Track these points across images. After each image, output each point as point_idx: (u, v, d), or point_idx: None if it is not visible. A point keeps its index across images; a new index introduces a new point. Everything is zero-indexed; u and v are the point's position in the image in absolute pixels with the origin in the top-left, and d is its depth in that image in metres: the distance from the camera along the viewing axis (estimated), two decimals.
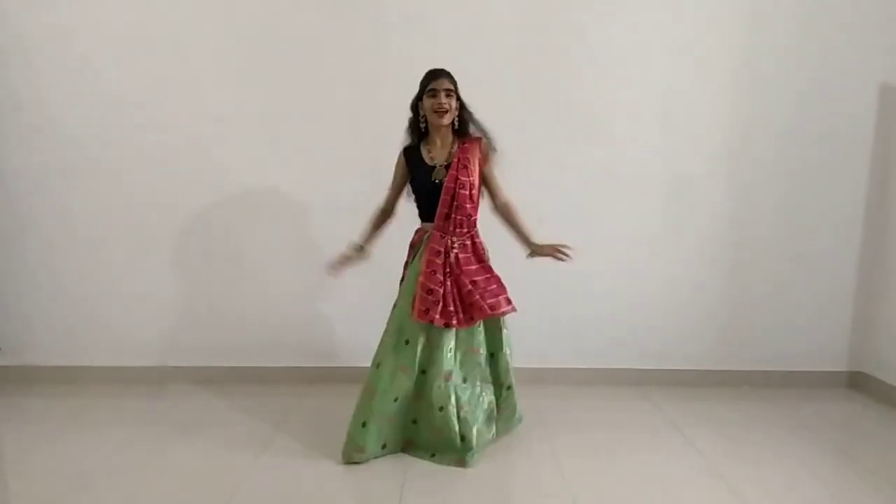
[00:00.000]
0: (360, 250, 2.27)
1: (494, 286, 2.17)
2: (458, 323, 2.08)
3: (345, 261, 2.27)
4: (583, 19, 2.78)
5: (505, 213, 2.26)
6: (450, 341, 2.12)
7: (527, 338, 2.86)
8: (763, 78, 2.83)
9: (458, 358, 2.18)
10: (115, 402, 2.70)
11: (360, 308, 2.85)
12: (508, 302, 2.17)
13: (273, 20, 2.75)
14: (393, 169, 2.26)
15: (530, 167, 2.82)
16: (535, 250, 2.24)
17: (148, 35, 2.75)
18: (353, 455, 2.11)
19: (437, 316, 2.04)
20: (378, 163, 2.75)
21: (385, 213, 2.29)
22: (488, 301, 2.11)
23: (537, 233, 2.84)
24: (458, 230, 2.13)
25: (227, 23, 2.75)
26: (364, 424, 2.09)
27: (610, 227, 2.93)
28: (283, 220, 2.89)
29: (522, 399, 2.48)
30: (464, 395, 2.15)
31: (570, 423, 2.52)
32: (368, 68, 2.78)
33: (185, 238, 2.89)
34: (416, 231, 2.26)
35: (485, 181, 2.22)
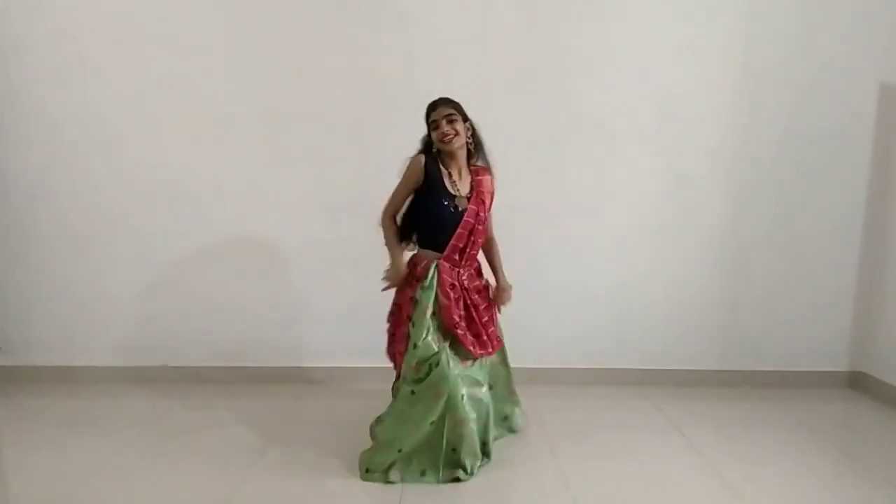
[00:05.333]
0: (399, 270, 2.10)
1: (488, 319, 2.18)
2: (479, 353, 2.08)
3: (391, 286, 2.14)
4: (583, 19, 2.77)
5: (488, 248, 2.24)
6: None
7: (527, 338, 2.86)
8: (763, 78, 2.83)
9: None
10: (115, 402, 2.70)
11: (359, 309, 2.85)
12: (499, 340, 2.21)
13: (273, 20, 2.75)
14: (403, 171, 2.06)
15: (530, 167, 2.82)
16: (497, 293, 2.22)
17: (148, 35, 2.75)
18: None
19: (472, 348, 2.04)
20: (378, 163, 2.75)
21: (395, 218, 2.14)
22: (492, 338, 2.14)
23: (537, 232, 2.87)
24: (468, 263, 2.10)
25: (227, 23, 2.75)
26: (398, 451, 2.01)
27: (610, 228, 2.93)
28: (284, 220, 2.88)
29: (522, 399, 2.48)
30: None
31: (570, 423, 2.52)
32: (368, 68, 2.78)
33: (185, 238, 2.89)
34: (419, 262, 2.09)
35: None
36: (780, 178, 2.90)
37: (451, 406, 1.95)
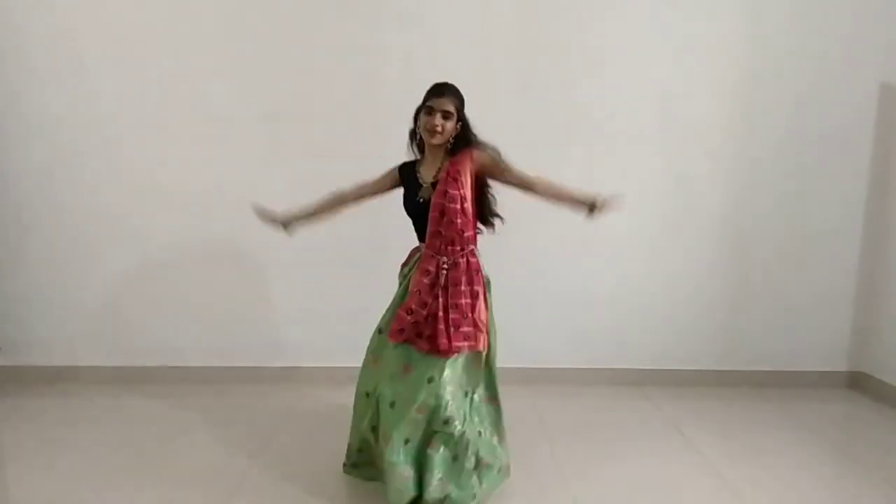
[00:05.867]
0: (285, 227, 2.15)
1: (468, 316, 1.92)
2: (445, 350, 1.84)
3: (267, 220, 2.17)
4: (583, 19, 2.78)
5: (549, 191, 2.06)
6: (432, 370, 1.85)
7: (527, 338, 2.87)
8: (763, 78, 2.83)
9: (446, 392, 1.85)
10: (115, 402, 2.70)
11: (359, 308, 2.84)
12: (465, 338, 1.88)
13: (273, 20, 2.75)
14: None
15: (530, 167, 2.81)
16: (592, 207, 2.04)
17: (148, 35, 2.75)
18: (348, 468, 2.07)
19: (417, 338, 1.86)
20: (378, 163, 2.74)
21: (339, 199, 2.09)
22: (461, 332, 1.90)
23: (537, 232, 2.85)
24: (449, 248, 1.92)
25: (227, 23, 2.75)
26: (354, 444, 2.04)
27: (610, 227, 2.92)
28: None
29: (522, 399, 2.48)
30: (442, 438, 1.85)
31: (570, 423, 2.52)
32: (368, 68, 2.78)
33: (185, 238, 2.89)
34: (412, 249, 2.10)
35: (510, 184, 2.03)
36: (780, 178, 2.90)
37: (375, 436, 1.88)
